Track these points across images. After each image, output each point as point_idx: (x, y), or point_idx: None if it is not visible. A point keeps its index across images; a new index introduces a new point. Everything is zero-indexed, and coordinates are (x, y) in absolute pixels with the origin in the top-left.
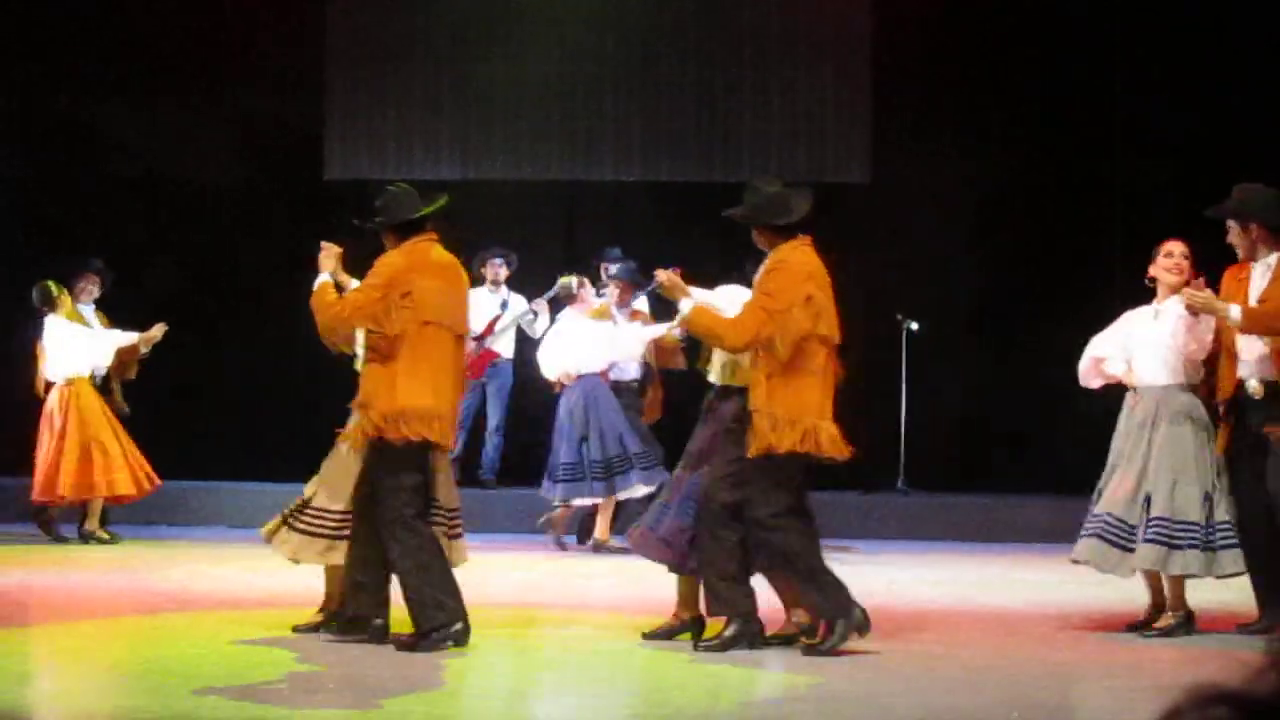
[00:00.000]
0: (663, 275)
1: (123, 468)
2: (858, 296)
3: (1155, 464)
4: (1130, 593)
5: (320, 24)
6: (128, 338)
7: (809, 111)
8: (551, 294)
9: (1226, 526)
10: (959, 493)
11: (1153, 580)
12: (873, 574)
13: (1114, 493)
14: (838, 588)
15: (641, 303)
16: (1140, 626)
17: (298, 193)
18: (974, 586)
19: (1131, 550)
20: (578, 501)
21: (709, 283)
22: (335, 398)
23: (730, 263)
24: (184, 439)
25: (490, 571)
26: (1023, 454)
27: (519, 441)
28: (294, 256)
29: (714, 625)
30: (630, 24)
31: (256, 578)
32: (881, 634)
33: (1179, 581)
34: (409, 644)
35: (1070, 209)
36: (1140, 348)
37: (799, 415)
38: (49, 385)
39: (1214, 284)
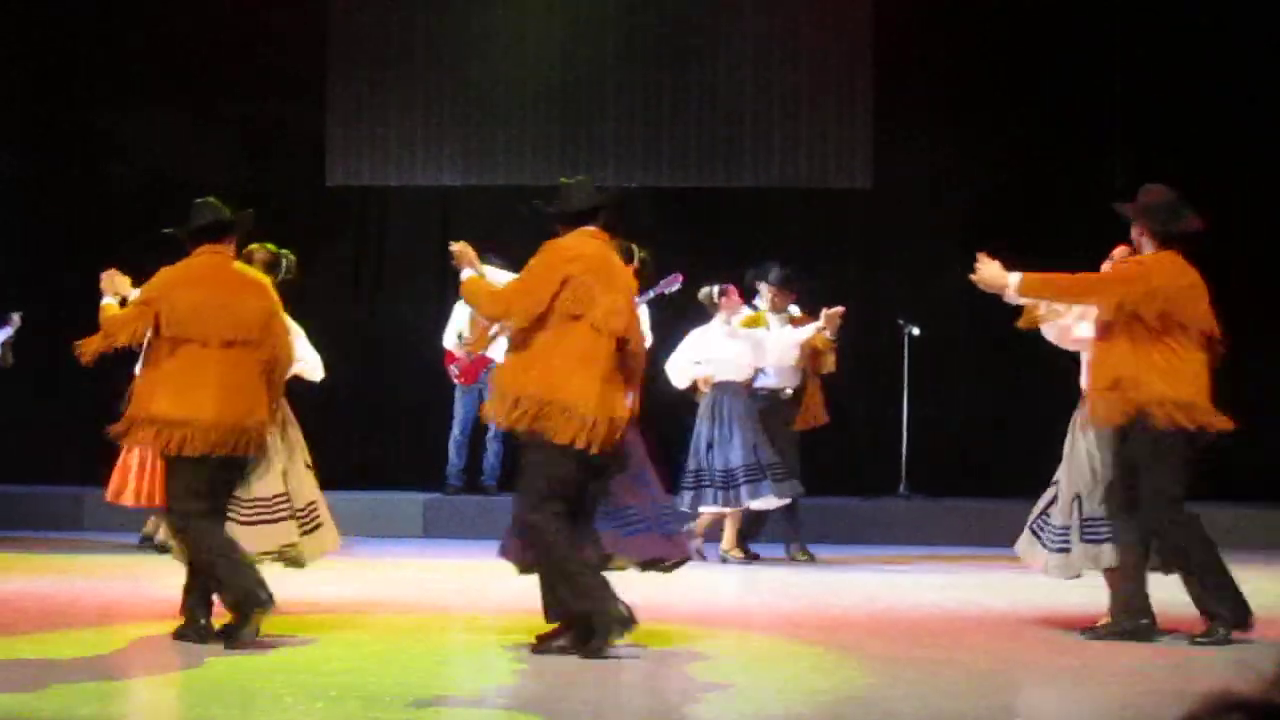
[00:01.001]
0: (455, 245)
1: None
2: (860, 301)
3: (1083, 465)
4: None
5: (322, 29)
6: None
7: (810, 117)
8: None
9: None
10: (962, 497)
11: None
12: (875, 579)
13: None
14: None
15: (794, 309)
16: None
17: (300, 199)
18: (977, 590)
19: (1067, 551)
20: (703, 510)
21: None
22: (334, 401)
23: (732, 266)
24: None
25: (490, 578)
26: (1025, 458)
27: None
28: (296, 262)
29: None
30: (632, 30)
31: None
32: (884, 638)
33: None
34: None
35: (1072, 213)
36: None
37: (546, 397)
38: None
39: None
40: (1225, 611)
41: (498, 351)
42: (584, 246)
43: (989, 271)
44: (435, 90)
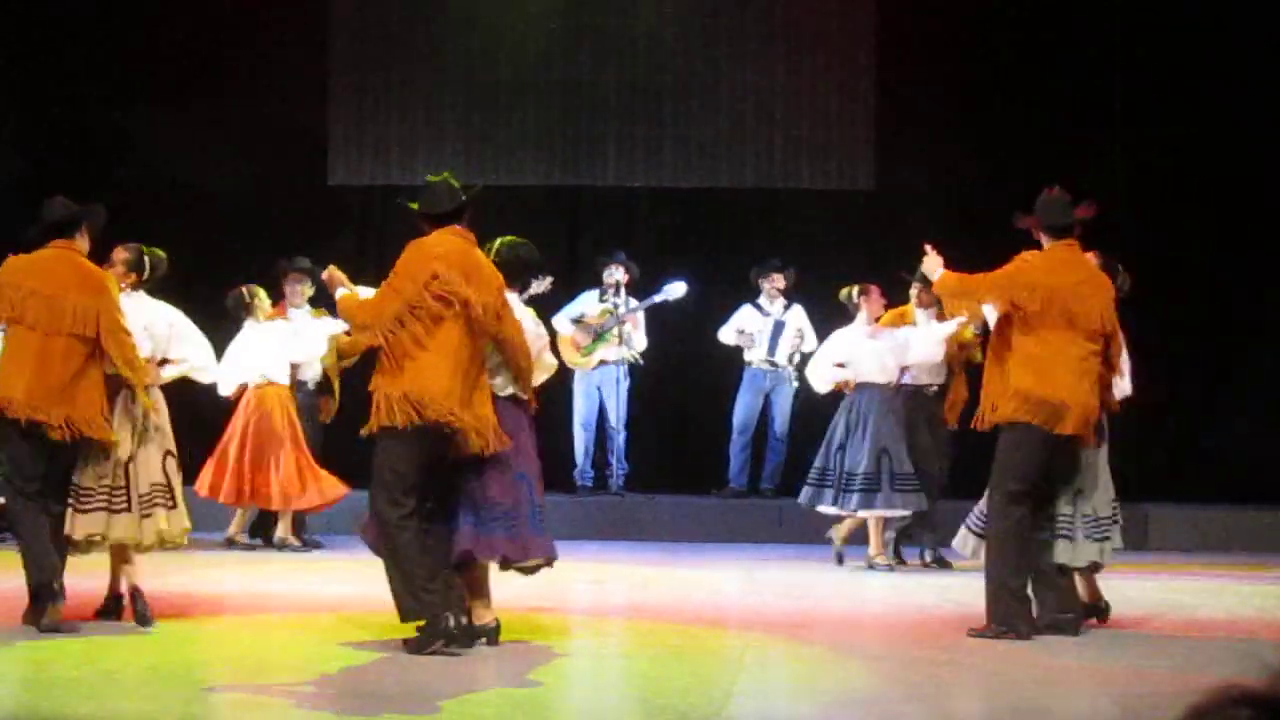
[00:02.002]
0: (325, 273)
1: (292, 480)
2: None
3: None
4: (1137, 600)
5: (325, 29)
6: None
7: (813, 118)
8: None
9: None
10: (965, 498)
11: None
12: (878, 580)
13: None
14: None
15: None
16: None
17: (302, 198)
18: (978, 591)
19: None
20: (820, 509)
21: (715, 286)
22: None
23: (732, 266)
24: (187, 442)
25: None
26: None
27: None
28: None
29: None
30: (634, 31)
31: (259, 583)
32: (886, 639)
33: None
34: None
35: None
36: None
37: (417, 394)
38: (241, 388)
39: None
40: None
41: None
42: (447, 244)
43: (928, 263)
44: (437, 89)
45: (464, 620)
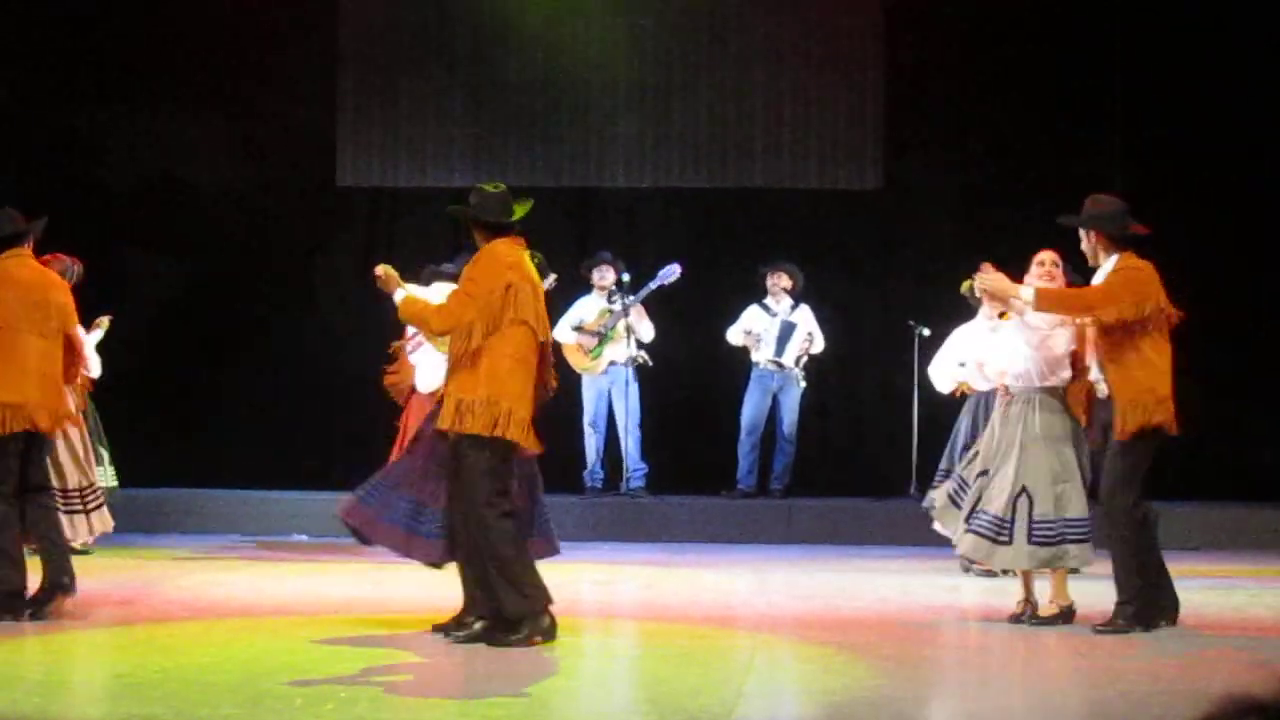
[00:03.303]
0: (379, 269)
1: None
2: (870, 302)
3: (1028, 464)
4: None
5: (332, 29)
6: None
7: (821, 117)
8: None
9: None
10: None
11: (1027, 577)
12: (886, 580)
13: (992, 492)
14: (536, 589)
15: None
16: (1023, 618)
17: (310, 199)
18: (987, 592)
19: (1003, 544)
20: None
21: (723, 286)
22: (347, 403)
23: (739, 266)
24: (195, 445)
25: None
26: None
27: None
28: (307, 262)
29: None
30: (642, 30)
31: (269, 585)
32: (895, 639)
33: (1064, 574)
34: None
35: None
36: (1008, 352)
37: (496, 398)
38: (411, 393)
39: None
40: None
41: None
42: (515, 255)
43: (998, 282)
44: (446, 89)
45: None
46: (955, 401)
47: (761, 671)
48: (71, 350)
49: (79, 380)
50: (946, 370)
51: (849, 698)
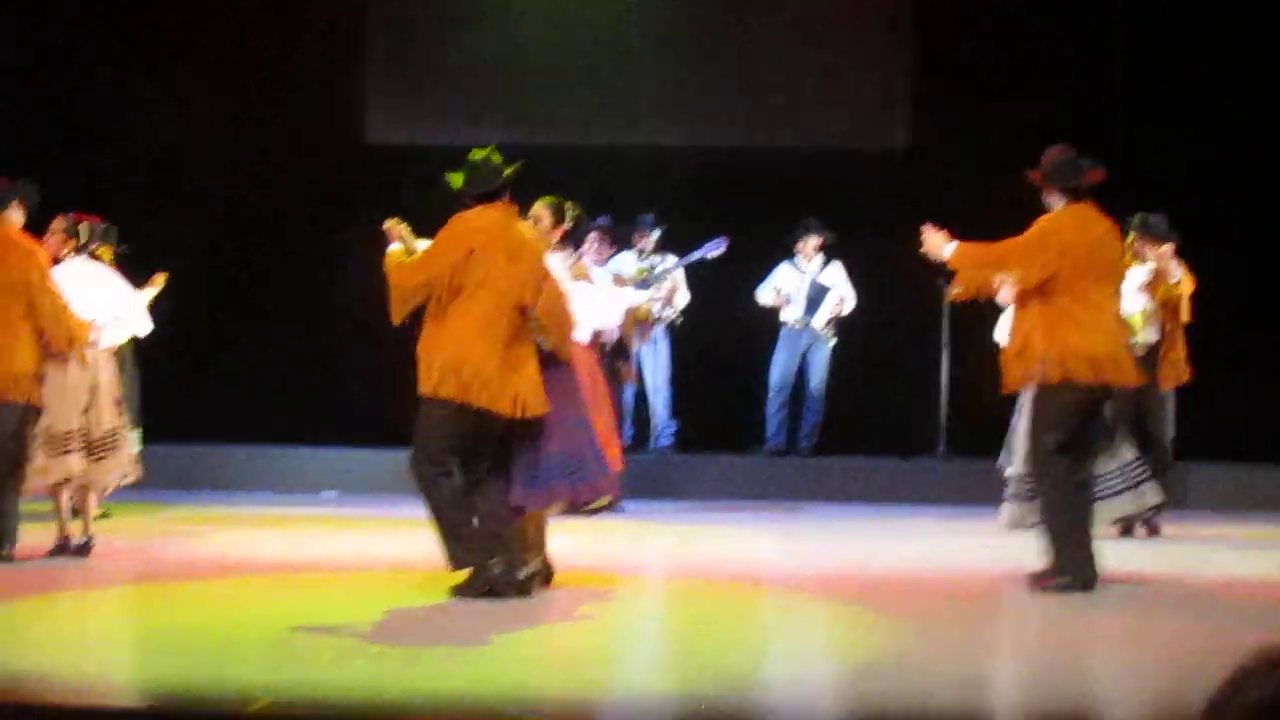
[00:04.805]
0: (388, 223)
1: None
2: (899, 260)
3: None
4: (1177, 559)
5: None
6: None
7: (848, 74)
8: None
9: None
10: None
11: None
12: (914, 539)
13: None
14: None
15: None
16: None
17: (339, 156)
18: (1016, 550)
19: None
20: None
21: (749, 245)
22: (376, 360)
23: (765, 225)
24: (224, 402)
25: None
26: None
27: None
28: (336, 219)
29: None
30: None
31: (298, 541)
32: (924, 599)
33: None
34: None
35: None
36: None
37: (459, 362)
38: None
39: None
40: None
41: None
42: (488, 218)
43: (931, 241)
44: (475, 47)
45: (517, 570)
46: (985, 361)
47: (789, 631)
48: (49, 315)
49: (69, 344)
50: None
51: (877, 658)
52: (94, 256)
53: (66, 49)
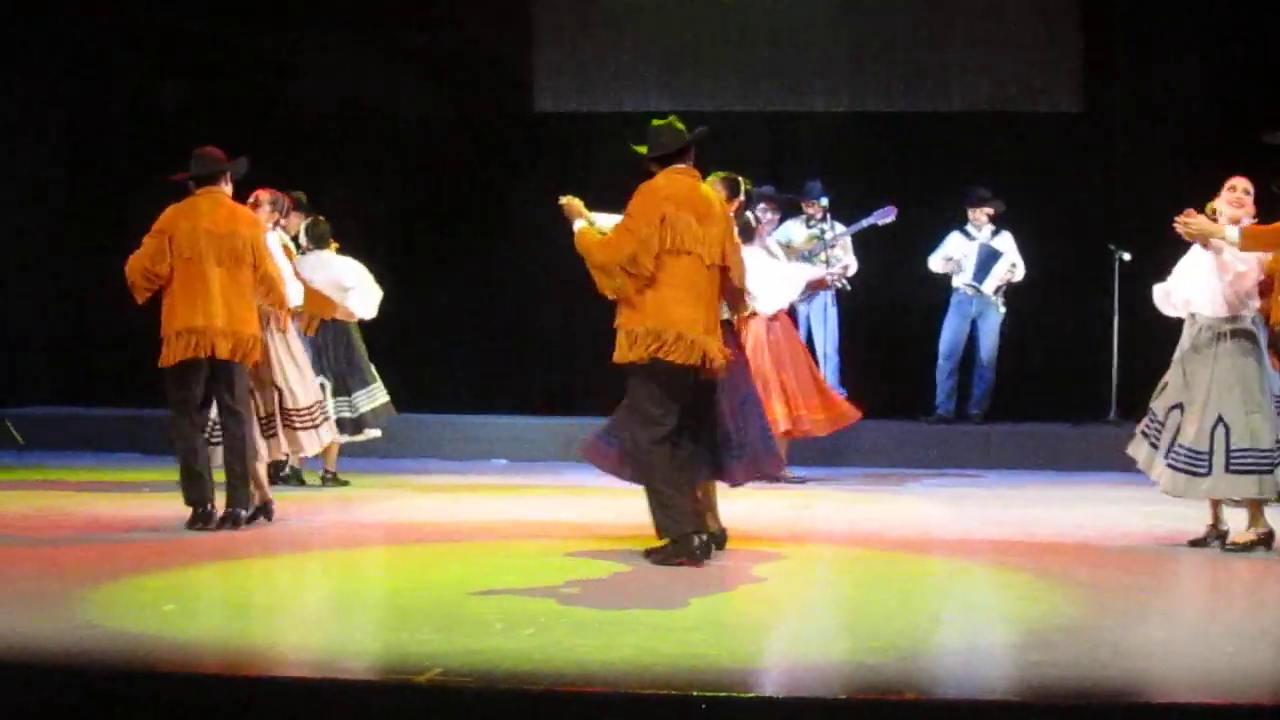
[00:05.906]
0: (563, 199)
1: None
2: (1069, 226)
3: (1222, 394)
4: None
5: None
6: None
7: (1019, 40)
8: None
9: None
10: None
11: (1215, 504)
12: (1084, 506)
13: (1185, 425)
14: (682, 510)
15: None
16: (1205, 541)
17: (507, 125)
18: (1186, 518)
19: (1201, 475)
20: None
21: (920, 212)
22: (544, 331)
23: (935, 192)
24: (393, 373)
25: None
26: None
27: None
28: (505, 188)
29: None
30: None
31: (467, 509)
32: (1093, 566)
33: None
34: None
35: None
36: (1195, 281)
37: (661, 330)
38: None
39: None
40: None
41: None
42: (675, 185)
43: (1201, 225)
44: (640, 14)
45: (705, 536)
46: (1157, 327)
47: (958, 597)
48: (267, 282)
49: (284, 308)
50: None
51: (1046, 624)
52: (286, 230)
53: (228, 14)
